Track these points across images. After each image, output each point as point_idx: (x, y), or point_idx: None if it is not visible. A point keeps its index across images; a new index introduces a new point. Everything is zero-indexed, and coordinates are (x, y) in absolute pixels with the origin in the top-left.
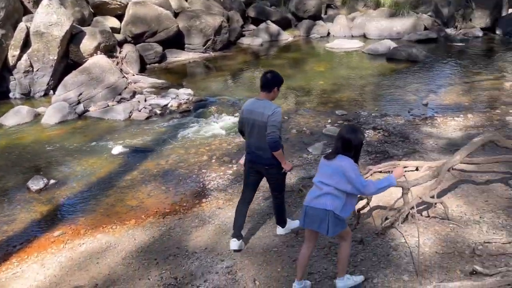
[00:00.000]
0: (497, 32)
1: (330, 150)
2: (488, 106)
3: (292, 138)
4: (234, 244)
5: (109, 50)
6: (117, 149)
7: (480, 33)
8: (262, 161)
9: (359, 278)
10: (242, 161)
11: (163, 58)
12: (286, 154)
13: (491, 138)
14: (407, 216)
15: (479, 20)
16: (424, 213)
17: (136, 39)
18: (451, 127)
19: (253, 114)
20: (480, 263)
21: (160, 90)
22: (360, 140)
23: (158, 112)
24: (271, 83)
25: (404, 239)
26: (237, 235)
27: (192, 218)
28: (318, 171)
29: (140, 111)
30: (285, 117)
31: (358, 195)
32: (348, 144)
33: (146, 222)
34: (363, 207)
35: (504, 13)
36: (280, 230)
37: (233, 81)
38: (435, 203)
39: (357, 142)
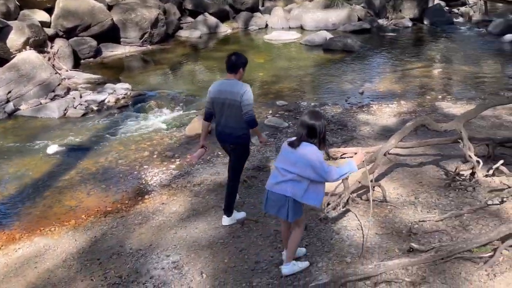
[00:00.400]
0: (425, 22)
1: (294, 137)
2: (419, 93)
3: None
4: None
5: (39, 45)
6: (53, 148)
7: (410, 23)
8: (229, 139)
9: (304, 264)
10: (195, 155)
11: (98, 52)
12: None
13: (422, 122)
14: (347, 200)
15: (409, 10)
16: (364, 197)
17: (69, 33)
18: (386, 113)
19: (223, 93)
20: (416, 241)
21: (96, 86)
22: (324, 125)
23: (95, 108)
24: (236, 64)
25: (350, 222)
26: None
27: (135, 216)
28: (281, 156)
29: (75, 108)
30: None
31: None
32: (313, 130)
33: (87, 222)
34: None
35: (430, 4)
36: (225, 220)
37: (173, 75)
38: (374, 187)
39: (321, 127)
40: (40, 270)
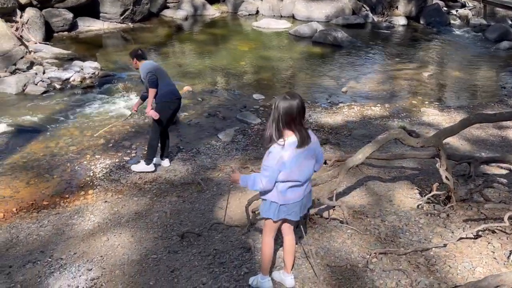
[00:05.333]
0: (421, 21)
1: (299, 134)
2: (405, 96)
3: (203, 121)
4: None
5: (7, 13)
6: (0, 128)
7: (405, 22)
8: None
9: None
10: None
11: (73, 26)
12: (194, 138)
13: (395, 136)
14: (304, 219)
15: (405, 8)
16: (325, 213)
17: (43, 3)
18: (367, 116)
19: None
20: (370, 280)
21: (64, 62)
22: None
23: (58, 86)
24: None
25: (302, 247)
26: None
27: (71, 214)
28: (296, 164)
29: (36, 84)
30: (199, 99)
31: None
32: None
33: (16, 218)
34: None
35: (429, 3)
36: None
37: (150, 56)
38: (334, 207)
39: None
40: None
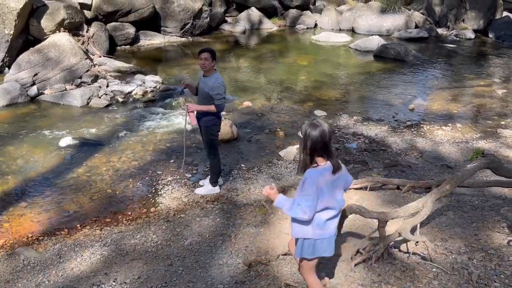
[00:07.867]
0: (490, 35)
1: (332, 160)
2: (478, 116)
3: (263, 138)
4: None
5: (75, 28)
6: (65, 141)
7: (472, 35)
8: None
9: None
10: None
11: (135, 40)
12: (255, 156)
13: (488, 165)
14: (382, 254)
15: (472, 21)
16: (403, 246)
17: (108, 17)
18: (438, 137)
19: None
20: None
21: (126, 75)
22: None
23: (120, 100)
24: None
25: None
26: None
27: (133, 233)
28: (326, 193)
29: (100, 97)
30: (259, 115)
31: None
32: None
33: (80, 235)
34: None
35: (498, 16)
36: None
37: None
38: (417, 242)
39: None
40: None
